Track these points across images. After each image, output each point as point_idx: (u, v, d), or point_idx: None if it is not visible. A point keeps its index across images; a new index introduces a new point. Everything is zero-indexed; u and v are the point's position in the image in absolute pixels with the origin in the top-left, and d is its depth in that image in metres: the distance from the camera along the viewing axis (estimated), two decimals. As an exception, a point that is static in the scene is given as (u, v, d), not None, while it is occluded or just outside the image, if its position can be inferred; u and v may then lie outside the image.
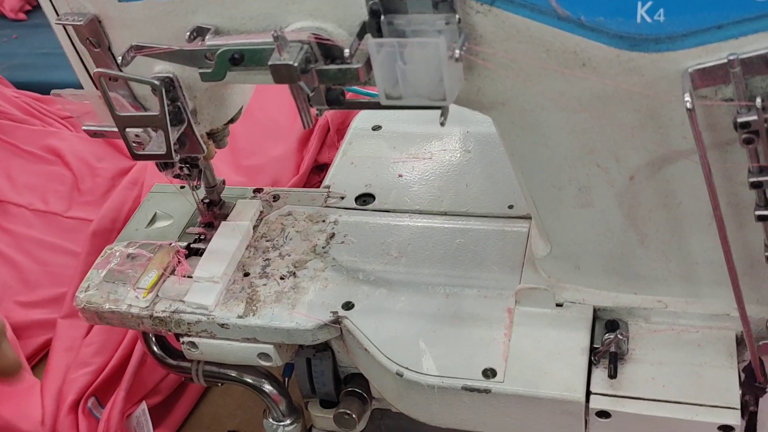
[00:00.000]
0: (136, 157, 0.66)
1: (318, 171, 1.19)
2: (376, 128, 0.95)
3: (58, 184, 1.25)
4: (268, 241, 0.81)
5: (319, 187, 1.13)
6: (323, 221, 0.83)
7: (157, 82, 0.61)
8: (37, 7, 1.83)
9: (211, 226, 0.82)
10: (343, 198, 0.85)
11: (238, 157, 1.14)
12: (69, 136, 1.34)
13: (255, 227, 0.83)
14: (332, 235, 0.80)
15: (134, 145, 0.66)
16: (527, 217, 0.78)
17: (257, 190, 0.88)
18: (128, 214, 1.08)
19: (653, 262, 0.65)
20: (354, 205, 0.84)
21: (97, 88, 0.65)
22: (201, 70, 0.60)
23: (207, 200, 0.82)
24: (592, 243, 0.66)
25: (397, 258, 0.77)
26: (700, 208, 0.60)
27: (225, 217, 0.83)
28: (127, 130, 0.64)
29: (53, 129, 1.36)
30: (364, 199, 0.85)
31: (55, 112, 1.41)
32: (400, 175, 0.87)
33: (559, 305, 0.69)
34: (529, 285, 0.70)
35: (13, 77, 1.51)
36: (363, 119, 0.97)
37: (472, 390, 0.65)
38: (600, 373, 0.65)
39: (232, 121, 0.75)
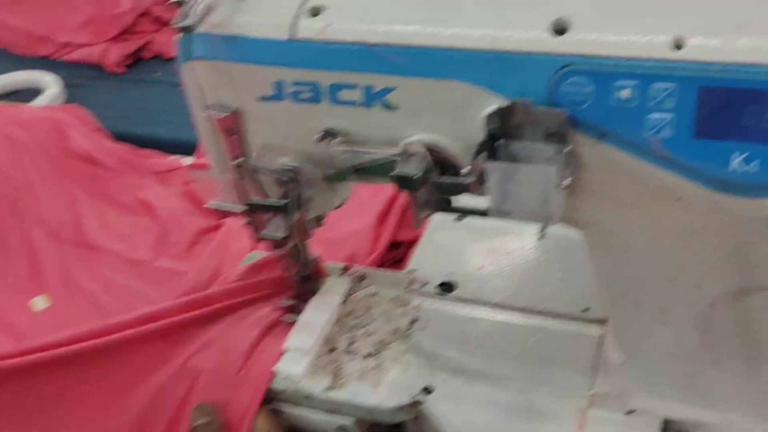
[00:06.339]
0: (258, 239, 0.73)
1: (392, 248, 1.25)
2: (459, 218, 1.01)
3: (148, 234, 1.33)
4: (354, 318, 0.87)
5: (393, 263, 1.19)
6: (407, 305, 0.88)
7: (286, 178, 0.68)
8: (137, 62, 1.96)
9: (302, 299, 0.89)
10: (426, 284, 0.91)
11: (318, 230, 1.20)
12: (160, 191, 1.43)
13: (342, 304, 0.89)
14: (415, 320, 0.86)
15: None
16: (601, 321, 0.83)
17: (345, 268, 0.95)
18: (211, 278, 1.14)
19: (724, 383, 0.70)
20: (436, 291, 0.90)
21: (228, 172, 0.73)
22: (326, 172, 0.67)
23: (301, 274, 0.89)
24: (666, 358, 0.71)
25: (476, 349, 0.82)
26: (774, 337, 0.65)
27: (315, 292, 0.89)
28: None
29: (146, 182, 1.45)
30: (446, 286, 0.91)
31: (149, 166, 1.50)
32: (481, 267, 0.92)
33: (630, 411, 0.73)
34: (602, 389, 0.74)
35: (111, 128, 1.62)
36: (447, 209, 1.03)
37: (542, 485, 0.69)
38: (666, 482, 0.69)
39: (337, 207, 0.82)
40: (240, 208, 0.73)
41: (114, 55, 1.91)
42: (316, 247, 1.18)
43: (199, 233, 1.34)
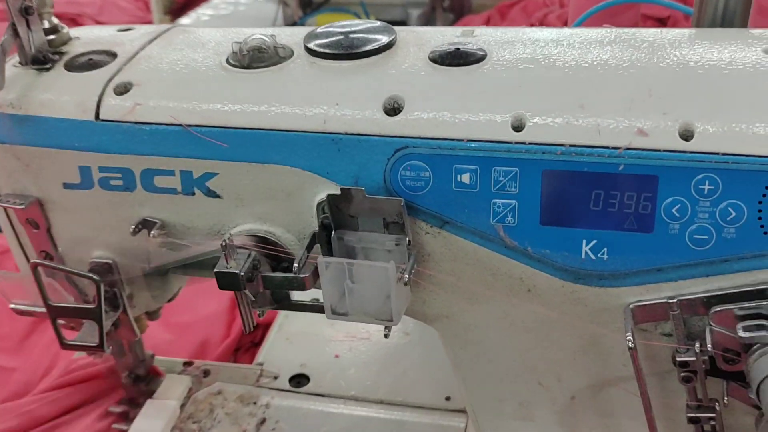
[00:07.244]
0: (65, 347, 0.63)
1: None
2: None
3: (-26, 326, 1.19)
4: (195, 422, 0.78)
5: (251, 346, 1.10)
6: (254, 403, 0.80)
7: (96, 277, 0.59)
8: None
9: (135, 403, 0.78)
10: (276, 378, 0.83)
11: (167, 313, 1.10)
12: (-10, 276, 1.29)
13: (182, 406, 0.79)
14: (263, 421, 0.77)
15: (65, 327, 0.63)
16: (464, 411, 0.77)
17: (187, 363, 0.85)
18: (44, 376, 1.01)
19: (590, 478, 0.65)
20: (287, 386, 0.82)
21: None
22: (145, 267, 0.59)
23: (133, 375, 0.79)
24: (530, 455, 0.65)
25: (330, 451, 0.74)
26: (638, 429, 0.60)
27: (151, 394, 0.79)
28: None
29: (-26, 266, 1.31)
30: (299, 380, 0.83)
31: (-21, 248, 1.35)
32: (337, 356, 0.85)
33: None
34: (465, 492, 0.68)
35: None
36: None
37: None
38: None
39: (169, 300, 0.73)
40: (44, 311, 0.63)
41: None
42: (162, 332, 1.07)
43: (36, 322, 1.21)
